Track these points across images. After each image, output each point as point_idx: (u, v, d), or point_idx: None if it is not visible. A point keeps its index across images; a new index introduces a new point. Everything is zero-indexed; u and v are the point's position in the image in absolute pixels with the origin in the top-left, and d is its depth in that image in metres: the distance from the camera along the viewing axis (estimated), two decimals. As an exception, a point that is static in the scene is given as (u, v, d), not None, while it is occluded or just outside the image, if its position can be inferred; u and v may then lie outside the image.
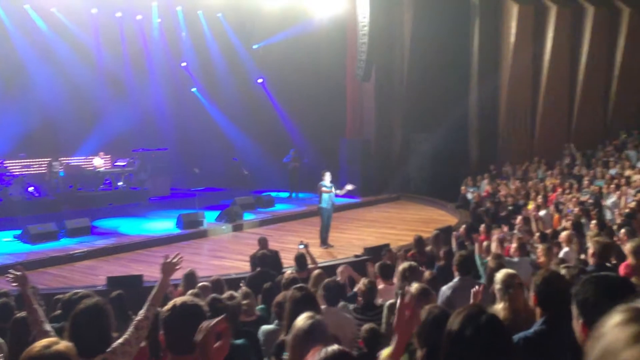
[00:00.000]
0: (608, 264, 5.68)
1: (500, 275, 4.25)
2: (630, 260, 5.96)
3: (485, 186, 17.38)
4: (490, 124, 20.21)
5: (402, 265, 6.03)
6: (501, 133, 20.25)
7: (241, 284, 7.08)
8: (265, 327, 5.40)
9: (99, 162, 19.02)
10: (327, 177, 13.33)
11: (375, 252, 11.08)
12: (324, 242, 13.36)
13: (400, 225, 15.91)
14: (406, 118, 20.54)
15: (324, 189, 13.26)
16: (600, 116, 20.17)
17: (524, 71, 19.62)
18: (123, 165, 19.13)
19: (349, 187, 13.48)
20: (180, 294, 6.14)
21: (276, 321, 5.37)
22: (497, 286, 4.20)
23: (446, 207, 17.76)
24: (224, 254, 13.13)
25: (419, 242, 9.80)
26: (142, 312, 3.57)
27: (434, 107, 19.44)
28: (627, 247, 6.09)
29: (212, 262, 12.29)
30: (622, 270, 5.78)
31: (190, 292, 5.96)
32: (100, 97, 19.63)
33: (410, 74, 20.10)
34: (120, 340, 3.33)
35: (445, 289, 5.95)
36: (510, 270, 4.39)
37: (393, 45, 20.20)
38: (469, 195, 16.95)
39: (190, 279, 7.24)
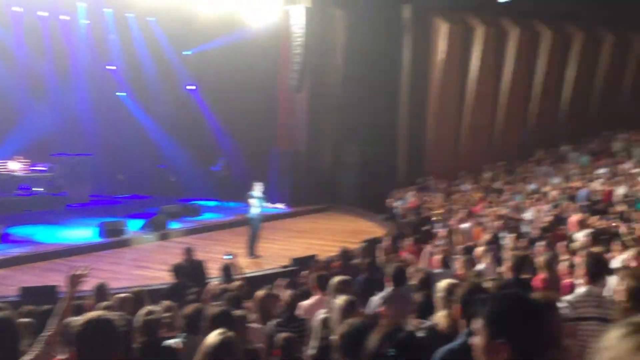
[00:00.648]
0: (523, 277, 5.88)
1: (442, 284, 4.35)
2: (544, 273, 6.22)
3: (411, 198, 17.73)
4: (418, 137, 20.69)
5: (336, 278, 5.99)
6: (428, 147, 20.77)
7: None
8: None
9: (16, 166, 18.14)
10: (257, 188, 13.31)
11: (303, 263, 11.08)
12: (252, 252, 13.26)
13: (328, 236, 15.97)
14: (338, 129, 20.74)
15: (253, 199, 13.22)
16: (520, 132, 21.03)
17: (451, 88, 20.25)
18: (41, 170, 18.32)
19: (279, 205, 13.57)
20: (91, 307, 5.89)
21: (184, 334, 4.98)
22: (439, 294, 4.29)
23: (374, 219, 17.99)
24: (147, 264, 12.77)
25: (345, 254, 9.88)
26: (50, 327, 3.40)
27: (365, 120, 19.75)
28: (541, 261, 6.36)
29: (134, 272, 11.92)
30: (536, 283, 6.01)
31: (103, 304, 5.72)
32: (19, 98, 18.75)
33: (343, 85, 20.32)
34: (28, 357, 3.15)
35: (376, 299, 5.98)
36: (452, 280, 4.48)
37: (327, 57, 20.37)
38: (396, 208, 17.26)
39: (101, 292, 6.97)
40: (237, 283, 7.08)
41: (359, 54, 19.48)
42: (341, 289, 5.69)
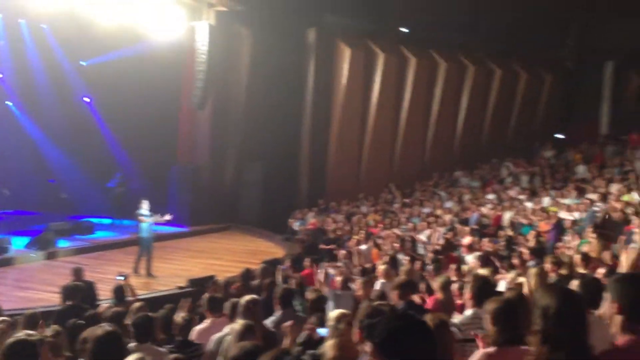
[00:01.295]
0: (414, 300, 6.02)
1: (333, 313, 4.34)
2: (438, 295, 6.41)
3: (312, 219, 17.86)
4: (320, 158, 20.95)
5: (245, 298, 5.81)
6: (330, 168, 21.07)
7: None
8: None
9: None
10: (145, 205, 13.01)
11: (200, 284, 10.80)
12: (136, 271, 12.88)
13: (227, 256, 15.71)
14: (240, 147, 20.58)
15: (142, 217, 12.87)
16: (418, 157, 21.83)
17: (354, 111, 20.72)
18: None
19: (167, 217, 13.29)
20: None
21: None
22: (329, 323, 4.28)
23: (275, 239, 17.93)
24: (31, 285, 11.94)
25: (246, 274, 9.73)
26: None
27: (268, 139, 19.75)
28: (436, 283, 6.56)
29: (16, 294, 11.10)
30: (429, 304, 6.18)
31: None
32: None
33: (247, 104, 20.23)
34: None
35: (269, 323, 5.90)
36: (343, 310, 4.48)
37: (231, 75, 20.22)
38: (296, 228, 17.30)
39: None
40: (136, 305, 6.75)
41: (264, 74, 19.52)
42: (249, 310, 5.52)
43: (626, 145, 18.47)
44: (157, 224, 13.34)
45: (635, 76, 22.43)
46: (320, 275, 8.41)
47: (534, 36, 22.72)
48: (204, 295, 8.66)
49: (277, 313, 6.13)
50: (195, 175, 19.85)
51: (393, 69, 20.75)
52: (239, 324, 4.27)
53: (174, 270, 13.62)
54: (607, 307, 2.56)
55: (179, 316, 6.11)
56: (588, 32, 23.52)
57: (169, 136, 20.27)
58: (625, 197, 11.99)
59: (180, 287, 11.49)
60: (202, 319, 6.69)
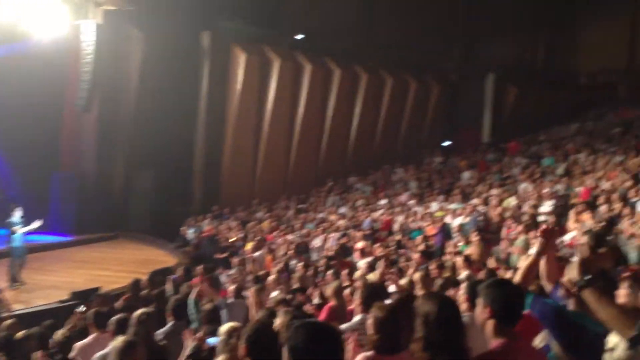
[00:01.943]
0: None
1: (225, 327, 4.23)
2: (332, 301, 6.43)
3: (206, 226, 17.52)
4: (215, 164, 20.61)
5: (137, 312, 5.48)
6: (225, 174, 20.78)
7: None
8: None
9: None
10: (18, 214, 12.24)
11: (84, 297, 10.22)
12: (14, 280, 12.02)
13: (115, 266, 15.00)
14: (130, 153, 19.82)
15: (14, 226, 12.10)
16: (313, 163, 22.06)
17: (249, 118, 20.57)
18: None
19: (36, 224, 12.55)
20: None
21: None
22: (220, 337, 4.16)
23: (166, 247, 17.39)
24: None
25: (136, 285, 9.33)
26: None
27: (160, 144, 19.09)
28: (329, 289, 6.59)
29: None
30: (324, 311, 6.19)
31: None
32: None
33: (137, 108, 19.51)
34: None
35: (158, 334, 5.67)
36: (234, 324, 4.37)
37: (120, 77, 19.42)
38: (190, 236, 16.90)
39: None
40: (7, 322, 6.24)
41: (156, 77, 18.89)
42: (141, 324, 5.22)
43: (505, 153, 19.68)
44: (30, 233, 12.52)
45: (513, 88, 23.99)
46: (204, 285, 8.18)
47: (423, 48, 23.76)
48: (90, 308, 8.23)
49: (169, 324, 5.91)
50: (80, 182, 18.86)
51: (288, 75, 20.84)
52: (119, 340, 4.04)
53: (55, 282, 12.78)
54: (479, 312, 2.65)
55: (59, 333, 5.73)
56: (471, 47, 24.96)
57: (52, 140, 19.10)
58: (504, 203, 12.73)
59: (62, 301, 10.82)
60: (85, 333, 6.31)
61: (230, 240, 15.70)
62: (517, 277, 3.14)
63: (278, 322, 4.10)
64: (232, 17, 20.23)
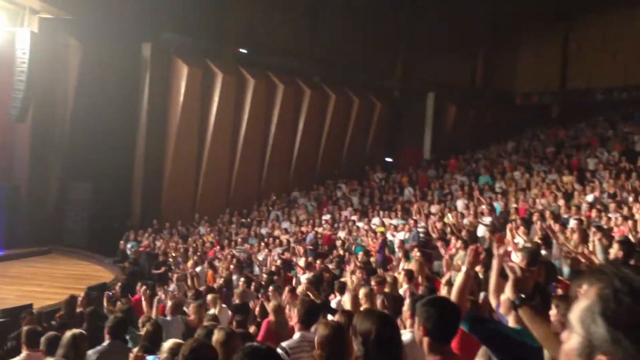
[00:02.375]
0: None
1: (167, 344, 4.11)
2: (271, 317, 6.39)
3: (145, 241, 17.12)
4: (156, 178, 20.20)
5: (70, 332, 5.23)
6: (166, 188, 20.38)
7: None
8: None
9: None
10: None
11: (15, 314, 9.76)
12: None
13: (49, 282, 14.46)
14: (66, 165, 19.20)
15: None
16: (256, 178, 21.94)
17: (191, 131, 20.29)
18: None
19: None
20: None
21: None
22: (163, 355, 4.03)
23: (103, 263, 16.90)
24: None
25: (70, 302, 8.99)
26: None
27: (98, 156, 18.59)
28: (269, 305, 6.55)
29: None
30: (263, 327, 6.13)
31: None
32: None
33: (73, 119, 18.96)
34: None
35: (91, 354, 5.45)
36: (178, 340, 4.25)
37: (56, 87, 18.85)
38: (129, 251, 16.47)
39: None
40: None
41: (94, 87, 18.44)
42: (73, 345, 5.01)
43: (446, 170, 20.14)
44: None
45: (453, 107, 24.66)
46: (143, 297, 7.97)
47: (366, 66, 24.16)
48: (21, 326, 7.86)
49: (105, 343, 5.69)
50: (11, 194, 18.12)
51: (231, 89, 20.71)
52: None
53: (-18, 299, 12.19)
54: (415, 329, 2.69)
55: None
56: (413, 65, 25.52)
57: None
58: (444, 219, 13.00)
59: (-10, 319, 10.29)
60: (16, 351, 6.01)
61: (170, 256, 15.39)
62: (453, 297, 3.20)
63: (214, 339, 4.03)
64: (175, 29, 20.01)
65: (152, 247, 16.46)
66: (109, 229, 18.57)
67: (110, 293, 9.47)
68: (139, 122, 19.97)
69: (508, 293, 2.87)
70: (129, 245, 17.08)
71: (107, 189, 18.81)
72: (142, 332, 6.36)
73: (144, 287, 9.71)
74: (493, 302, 3.49)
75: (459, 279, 3.42)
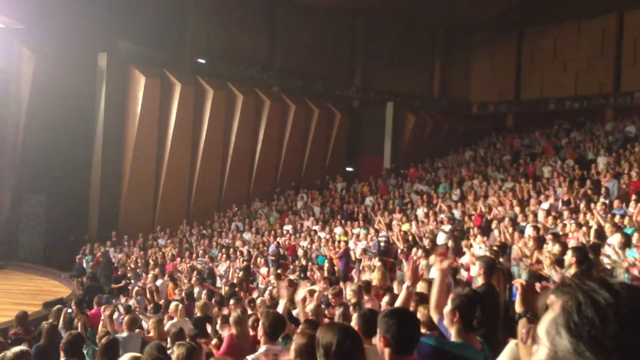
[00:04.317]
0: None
1: (124, 358, 4.05)
2: (233, 330, 6.32)
3: (101, 254, 16.77)
4: (113, 189, 19.84)
5: (13, 351, 5.06)
6: (124, 201, 20.03)
7: None
8: None
9: None
10: None
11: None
12: None
13: (3, 298, 14.02)
14: (19, 178, 18.68)
15: None
16: (216, 189, 21.75)
17: (149, 142, 20.01)
18: None
19: None
20: None
21: None
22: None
23: (60, 277, 16.48)
24: None
25: (24, 318, 8.74)
26: None
27: (53, 169, 18.16)
28: (231, 318, 6.48)
29: None
30: (226, 340, 6.06)
31: None
32: None
33: (27, 130, 18.47)
34: None
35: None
36: (135, 354, 4.19)
37: (8, 98, 18.36)
38: (85, 264, 16.11)
39: None
40: None
41: (48, 98, 18.03)
42: None
43: (406, 179, 20.37)
44: None
45: (411, 116, 24.99)
46: (104, 316, 7.81)
47: (325, 76, 24.31)
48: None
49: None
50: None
51: (190, 99, 20.53)
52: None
53: None
54: (377, 341, 2.72)
55: None
56: (371, 75, 25.79)
57: None
58: (405, 227, 13.14)
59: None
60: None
61: (129, 269, 15.12)
62: (432, 313, 3.24)
63: (175, 356, 3.99)
64: (131, 39, 19.73)
65: (112, 261, 16.13)
66: (65, 242, 18.13)
67: (70, 309, 9.22)
68: (95, 132, 19.59)
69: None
70: (86, 259, 16.71)
71: (62, 201, 18.38)
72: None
73: (104, 306, 9.52)
74: (435, 316, 3.53)
75: (400, 295, 3.46)
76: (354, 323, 3.75)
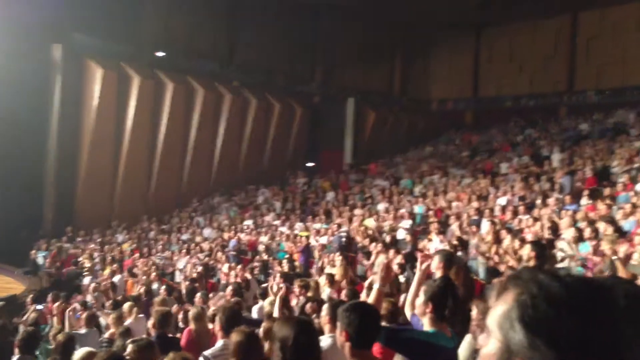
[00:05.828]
0: (168, 334, 5.85)
1: (80, 353, 3.98)
2: (192, 325, 6.28)
3: (57, 250, 16.41)
4: (68, 184, 19.36)
5: None
6: (80, 194, 19.59)
7: None
8: None
9: None
10: None
11: None
12: None
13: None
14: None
15: None
16: (176, 184, 21.48)
17: (106, 136, 19.59)
18: None
19: None
20: None
21: None
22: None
23: (13, 273, 16.05)
24: None
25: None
26: None
27: (5, 163, 17.61)
28: (190, 313, 6.43)
29: None
30: (185, 336, 6.02)
31: None
32: None
33: (-22, 123, 17.86)
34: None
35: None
36: (90, 349, 4.12)
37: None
38: (40, 260, 15.73)
39: None
40: None
41: (1, 90, 17.44)
42: None
43: (366, 174, 20.52)
44: None
45: (372, 112, 25.18)
46: (66, 313, 7.66)
47: (286, 71, 24.25)
48: None
49: (13, 358, 5.43)
50: None
51: (149, 93, 20.19)
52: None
53: None
54: (337, 334, 2.74)
55: None
56: (333, 71, 25.87)
57: None
58: (365, 222, 13.25)
59: None
60: None
61: (85, 265, 14.81)
62: (406, 308, 3.30)
63: (128, 351, 3.95)
64: (87, 31, 19.24)
65: (68, 256, 15.78)
66: (18, 237, 17.62)
67: (40, 307, 8.97)
68: (50, 125, 19.06)
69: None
70: (40, 255, 16.30)
71: (14, 195, 17.83)
72: (54, 345, 6.12)
73: (58, 302, 9.33)
74: (408, 313, 3.60)
75: (372, 295, 3.52)
76: (324, 313, 3.79)
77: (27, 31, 17.61)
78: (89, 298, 10.98)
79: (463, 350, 3.31)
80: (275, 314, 5.34)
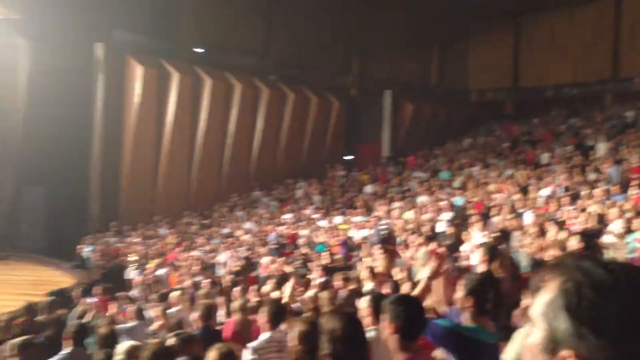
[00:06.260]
0: (212, 326, 5.93)
1: (123, 346, 4.07)
2: (236, 317, 6.37)
3: (103, 244, 16.83)
4: (113, 180, 19.84)
5: (14, 341, 5.09)
6: (124, 190, 20.04)
7: None
8: None
9: None
10: None
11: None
12: None
13: (5, 288, 14.06)
14: (20, 169, 18.70)
15: None
16: (216, 179, 21.76)
17: (148, 132, 19.98)
18: None
19: None
20: None
21: None
22: (117, 357, 4.01)
23: (62, 267, 16.55)
24: None
25: (30, 309, 8.78)
26: None
27: (53, 160, 18.17)
28: (234, 305, 6.52)
29: None
30: (228, 327, 6.11)
31: None
32: None
33: (25, 122, 18.47)
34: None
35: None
36: (135, 343, 4.23)
37: (6, 88, 18.32)
38: (86, 254, 16.16)
39: None
40: None
41: (46, 89, 17.97)
42: (20, 354, 4.91)
43: (405, 167, 20.39)
44: None
45: (409, 104, 24.97)
46: (111, 306, 7.86)
47: (323, 64, 24.23)
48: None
49: (65, 351, 5.57)
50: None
51: (188, 89, 20.48)
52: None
53: None
54: (383, 327, 2.74)
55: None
56: (368, 63, 25.74)
57: None
58: (405, 215, 13.18)
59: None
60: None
61: (130, 259, 15.15)
62: (438, 306, 3.27)
63: (172, 343, 4.02)
64: (128, 29, 19.63)
65: (114, 250, 16.17)
66: (65, 232, 18.16)
67: (90, 300, 9.21)
68: (93, 123, 19.55)
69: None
70: (87, 249, 16.75)
71: (62, 192, 18.37)
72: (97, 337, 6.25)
73: (106, 295, 9.56)
74: (443, 309, 3.56)
75: (418, 287, 3.48)
76: (365, 306, 3.78)
77: (71, 31, 18.06)
78: (135, 291, 11.25)
79: (513, 346, 3.27)
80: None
